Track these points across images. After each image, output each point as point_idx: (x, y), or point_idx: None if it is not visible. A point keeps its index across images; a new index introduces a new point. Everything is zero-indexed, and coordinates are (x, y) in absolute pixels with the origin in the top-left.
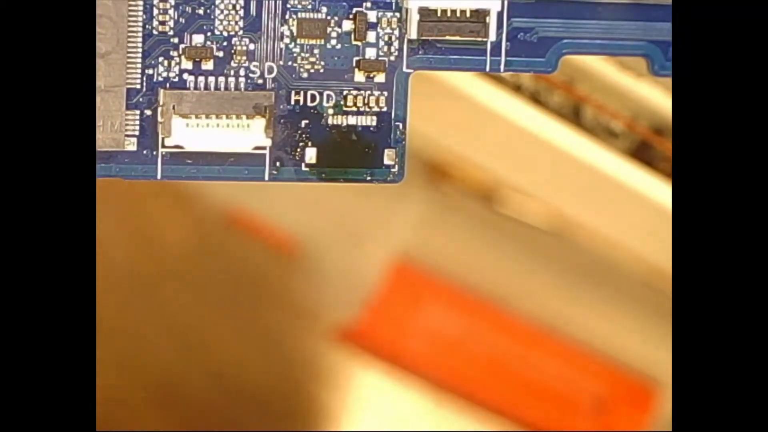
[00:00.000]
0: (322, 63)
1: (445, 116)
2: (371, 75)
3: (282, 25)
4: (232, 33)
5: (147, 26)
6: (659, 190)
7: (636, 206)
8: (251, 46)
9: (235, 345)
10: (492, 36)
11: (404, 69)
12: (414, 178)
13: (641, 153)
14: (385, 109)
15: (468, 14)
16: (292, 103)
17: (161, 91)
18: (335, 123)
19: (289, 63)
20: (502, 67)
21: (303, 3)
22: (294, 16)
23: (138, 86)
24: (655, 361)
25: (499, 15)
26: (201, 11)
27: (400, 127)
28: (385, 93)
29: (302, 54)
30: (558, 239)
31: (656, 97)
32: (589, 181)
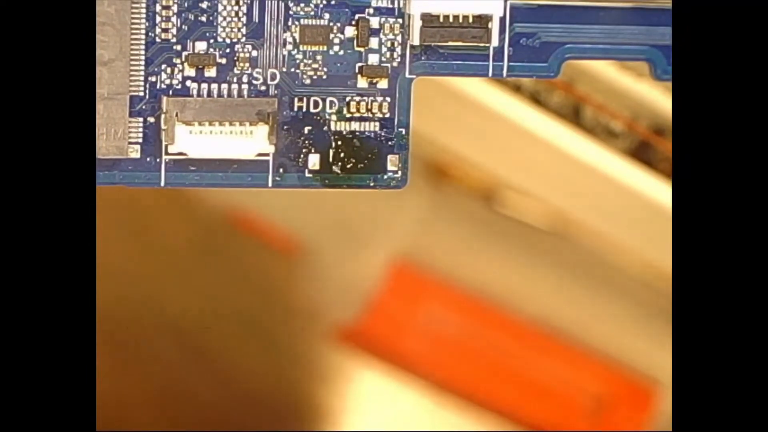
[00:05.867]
0: (325, 69)
1: (445, 116)
2: (374, 81)
3: (285, 31)
4: (235, 40)
5: (150, 34)
6: (659, 190)
7: (636, 206)
8: (254, 53)
9: (235, 345)
10: (495, 41)
11: (407, 75)
12: (414, 179)
13: (641, 153)
14: (388, 115)
15: (470, 20)
16: (295, 109)
17: (164, 99)
18: (338, 129)
19: (292, 69)
20: (504, 72)
21: (305, 9)
22: (296, 23)
23: (141, 94)
24: (655, 361)
25: (502, 20)
26: (203, 18)
27: (404, 132)
28: (388, 99)
29: (305, 60)
30: (558, 239)
31: (656, 97)
32: (589, 181)
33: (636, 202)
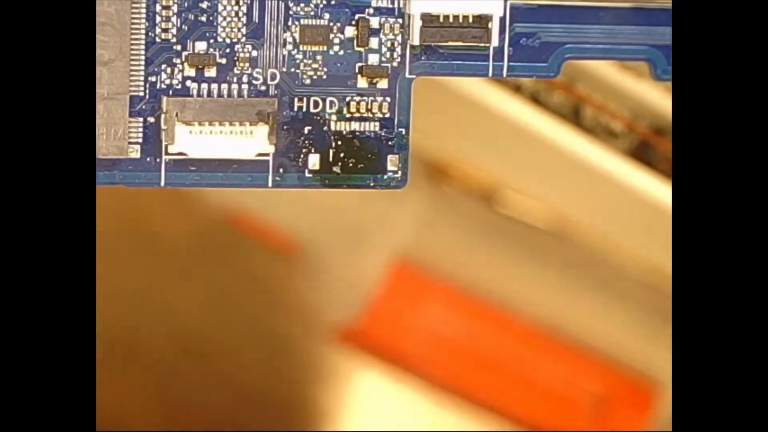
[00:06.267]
0: (325, 69)
1: (445, 117)
2: (374, 81)
3: (285, 31)
4: (235, 40)
5: (150, 34)
6: (659, 190)
7: (636, 206)
8: (254, 53)
9: (235, 346)
10: (495, 41)
11: (407, 75)
12: (414, 179)
13: (641, 153)
14: (388, 115)
15: (470, 20)
16: (295, 109)
17: (164, 99)
18: (338, 129)
19: (292, 69)
20: (504, 72)
21: (305, 9)
22: (297, 23)
23: (141, 94)
24: (655, 361)
25: (502, 20)
26: (203, 18)
27: (404, 132)
28: (388, 99)
29: (305, 60)
30: (558, 239)
31: (656, 97)
32: (589, 181)
33: (636, 202)
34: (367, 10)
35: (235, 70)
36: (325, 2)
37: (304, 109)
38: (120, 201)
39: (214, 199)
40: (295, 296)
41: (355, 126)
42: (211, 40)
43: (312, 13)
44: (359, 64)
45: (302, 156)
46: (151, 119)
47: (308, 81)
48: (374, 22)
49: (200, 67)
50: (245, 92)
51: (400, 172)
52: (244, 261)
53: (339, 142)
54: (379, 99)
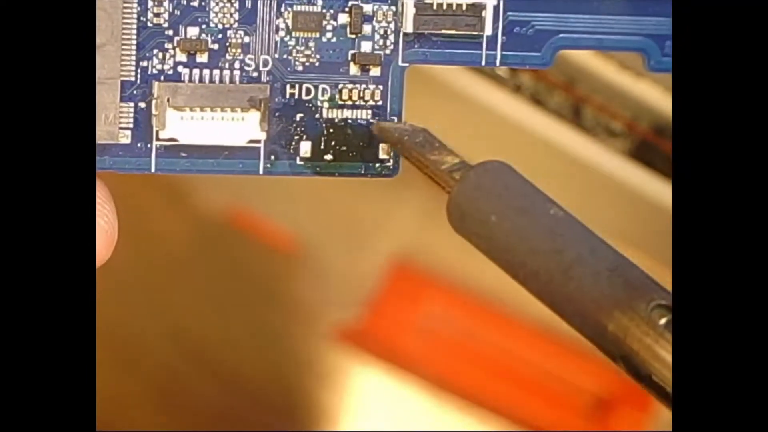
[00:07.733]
0: (318, 56)
1: (444, 118)
2: (366, 68)
3: (277, 17)
4: (227, 25)
5: (142, 18)
6: (659, 190)
7: (636, 206)
8: (246, 39)
9: (234, 345)
10: (488, 30)
11: (400, 63)
12: (413, 178)
13: (641, 153)
14: (380, 102)
15: (464, 8)
16: (287, 96)
17: (155, 84)
18: (330, 116)
19: (285, 56)
20: (497, 61)
21: None
22: (289, 9)
23: (132, 78)
24: None
25: (496, 9)
26: (196, 3)
27: (396, 120)
28: (381, 87)
29: (297, 47)
30: None
31: (656, 96)
32: (589, 181)
33: (636, 202)
34: None
35: (227, 56)
36: None
37: (296, 96)
38: (119, 200)
39: (214, 198)
40: (295, 296)
41: (347, 113)
42: (204, 26)
43: None
44: (352, 52)
45: (294, 143)
46: (142, 104)
47: (300, 68)
48: (367, 9)
49: (192, 52)
50: (237, 78)
51: (391, 161)
52: (244, 260)
53: (331, 130)
54: (372, 86)
